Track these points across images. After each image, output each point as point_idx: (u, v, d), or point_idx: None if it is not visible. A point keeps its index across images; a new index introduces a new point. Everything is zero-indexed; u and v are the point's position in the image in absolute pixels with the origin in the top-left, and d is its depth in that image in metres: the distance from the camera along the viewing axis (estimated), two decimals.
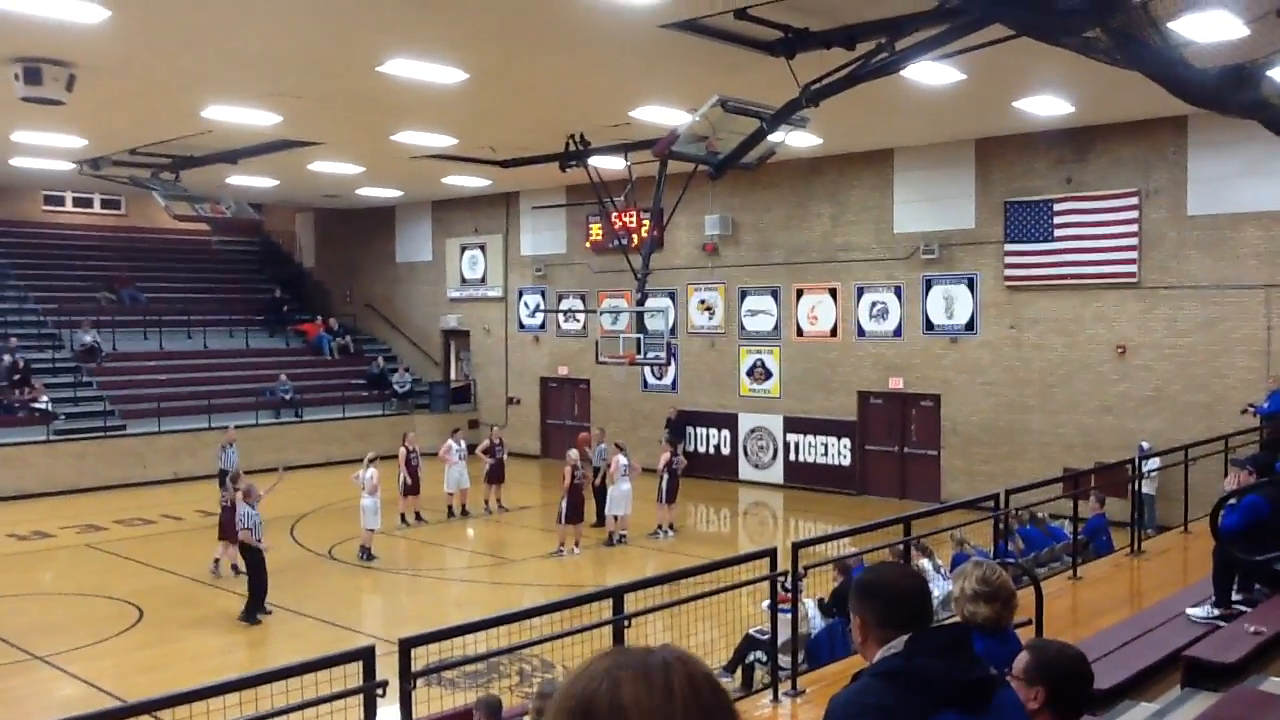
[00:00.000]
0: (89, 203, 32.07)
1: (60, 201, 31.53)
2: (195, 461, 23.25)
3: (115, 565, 16.44)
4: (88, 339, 26.34)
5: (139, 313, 28.60)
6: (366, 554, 17.05)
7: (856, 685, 2.64)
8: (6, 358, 24.57)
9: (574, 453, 17.88)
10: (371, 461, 17.64)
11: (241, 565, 15.06)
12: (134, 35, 12.32)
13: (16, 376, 24.24)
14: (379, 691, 5.22)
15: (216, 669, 11.09)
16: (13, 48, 12.67)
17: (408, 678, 5.34)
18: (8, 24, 11.59)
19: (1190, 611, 8.48)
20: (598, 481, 18.70)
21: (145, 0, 11.12)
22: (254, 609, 13.66)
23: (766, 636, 9.67)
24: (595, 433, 21.05)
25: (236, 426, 22.26)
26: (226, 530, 15.46)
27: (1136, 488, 12.62)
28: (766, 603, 7.71)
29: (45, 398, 23.67)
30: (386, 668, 5.27)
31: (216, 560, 15.85)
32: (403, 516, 19.45)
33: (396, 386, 29.33)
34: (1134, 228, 18.38)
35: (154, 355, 27.57)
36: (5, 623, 13.32)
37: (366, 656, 5.21)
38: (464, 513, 20.44)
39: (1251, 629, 7.73)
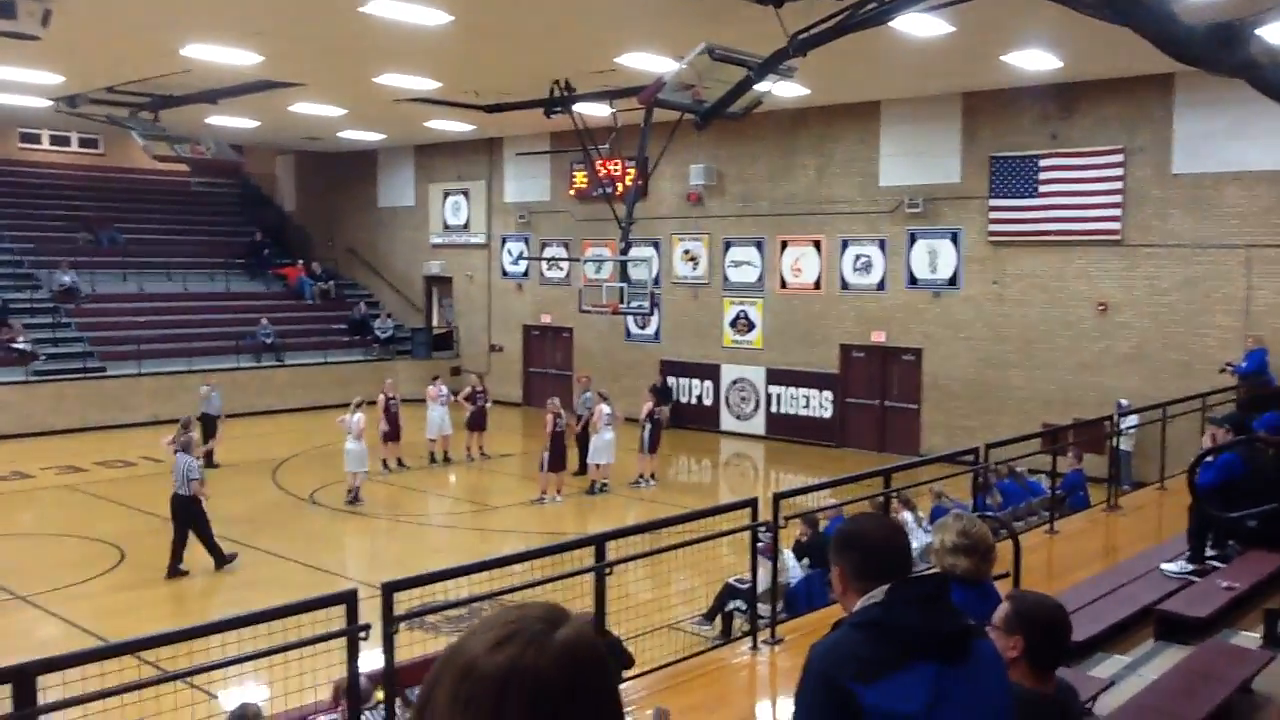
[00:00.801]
0: (66, 141, 31.60)
1: (36, 140, 31.07)
2: (175, 405, 23.04)
3: (96, 506, 16.43)
4: (66, 280, 26.11)
5: (118, 254, 28.34)
6: (354, 497, 17.08)
7: (836, 634, 2.65)
8: None
9: (555, 400, 17.90)
10: (359, 406, 17.54)
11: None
12: None
13: None
14: (362, 635, 5.25)
15: (198, 611, 11.16)
16: None
17: (390, 621, 5.37)
18: None
19: (1164, 566, 8.61)
20: (579, 429, 18.74)
21: None
22: (221, 556, 13.50)
23: (746, 586, 9.78)
24: (581, 379, 21.05)
25: (218, 370, 22.17)
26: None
27: (1114, 444, 12.76)
28: (761, 544, 7.75)
29: (23, 338, 23.48)
30: (369, 611, 5.30)
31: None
32: (384, 463, 19.47)
33: (378, 332, 29.23)
34: (1118, 185, 18.39)
35: (134, 297, 27.37)
36: None
37: (349, 600, 5.23)
38: (446, 459, 20.47)
39: (1224, 584, 7.86)
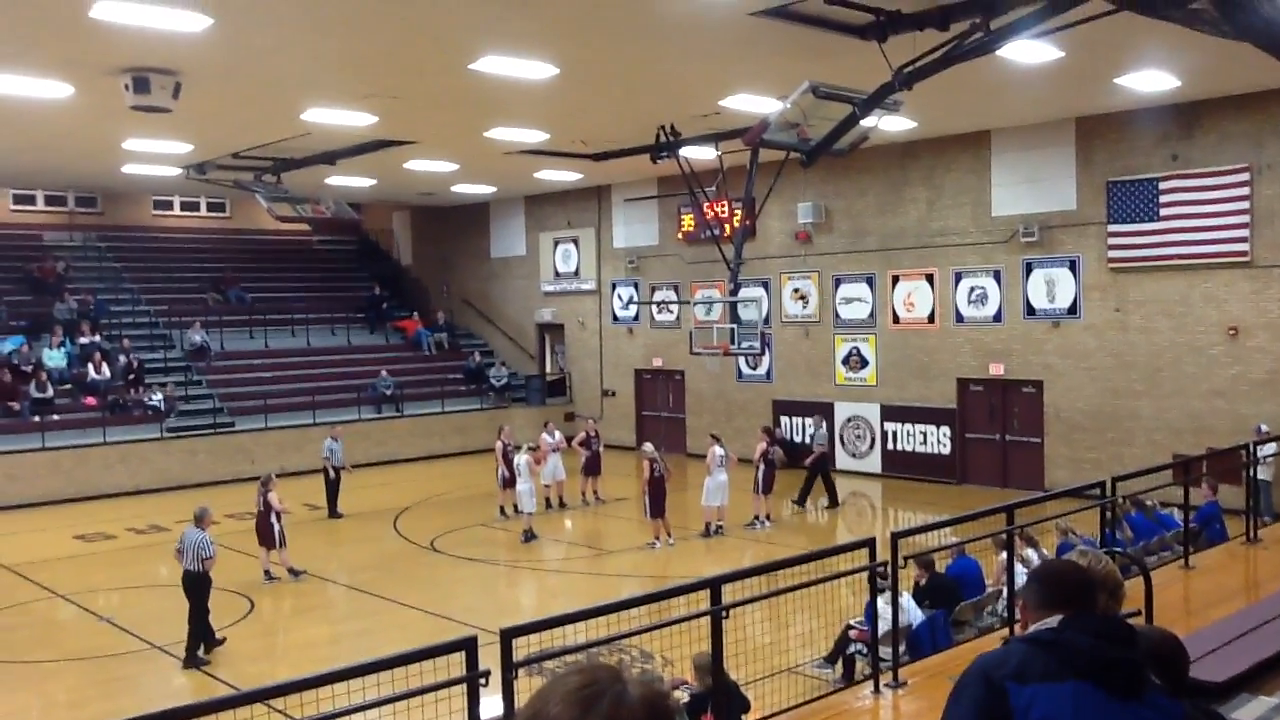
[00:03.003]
0: (196, 206, 33.08)
1: (169, 206, 32.58)
2: (301, 456, 23.84)
3: (226, 558, 16.89)
4: (197, 339, 27.20)
5: (244, 312, 29.46)
6: (528, 536, 17.65)
7: (1003, 646, 2.71)
8: (122, 358, 25.50)
9: (649, 446, 17.91)
10: (528, 449, 18.28)
11: (274, 570, 15.24)
12: (236, 43, 12.67)
13: (131, 376, 25.16)
14: (482, 681, 5.30)
15: (325, 658, 11.38)
16: (123, 59, 13.13)
17: (509, 667, 5.41)
18: (118, 36, 12.01)
19: None
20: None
21: (246, 8, 11.42)
22: (209, 640, 12.20)
23: (862, 628, 9.59)
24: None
25: (340, 423, 22.79)
26: (262, 535, 15.41)
27: (1252, 473, 12.20)
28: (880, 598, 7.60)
29: (160, 395, 24.50)
30: (488, 657, 5.34)
31: (266, 571, 15.42)
32: (501, 509, 19.69)
33: (493, 380, 29.71)
34: (1245, 204, 17.72)
35: (260, 354, 28.37)
36: (125, 612, 13.85)
37: (469, 646, 5.29)
38: (561, 504, 20.63)
39: None
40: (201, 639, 12.07)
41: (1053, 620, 2.69)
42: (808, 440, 22.24)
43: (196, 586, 12.15)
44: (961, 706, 2.61)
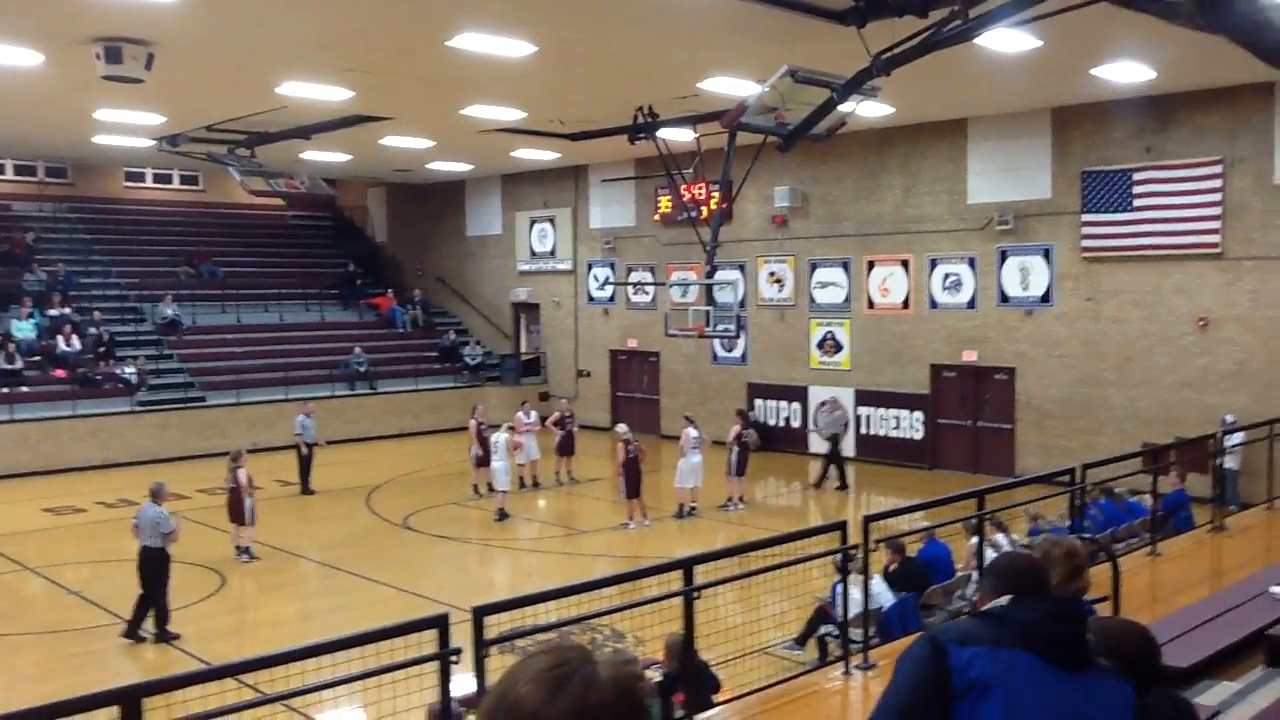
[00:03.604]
0: (168, 179, 32.77)
1: (141, 178, 32.26)
2: (273, 432, 23.74)
3: (197, 532, 16.84)
4: (169, 313, 26.98)
5: (217, 287, 29.23)
6: (501, 515, 17.75)
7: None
8: (92, 330, 25.27)
9: (623, 427, 17.94)
10: (508, 428, 18.49)
11: (253, 549, 15.19)
12: (210, 14, 12.52)
13: (102, 349, 24.93)
14: (454, 659, 5.30)
15: (296, 635, 11.37)
16: (94, 28, 12.96)
17: (481, 645, 5.41)
18: (90, 5, 11.85)
19: (1274, 590, 8.28)
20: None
21: None
22: (165, 626, 11.86)
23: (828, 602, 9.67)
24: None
25: (313, 399, 22.69)
26: (233, 511, 15.23)
27: (1219, 463, 12.34)
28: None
29: (131, 369, 24.30)
30: (461, 635, 5.35)
31: (237, 547, 15.33)
32: (475, 488, 19.68)
33: (468, 359, 29.64)
34: (1217, 197, 17.87)
35: (232, 329, 28.19)
36: (94, 587, 13.77)
37: (441, 624, 5.28)
38: (535, 484, 20.63)
39: None
40: (162, 616, 11.84)
41: (1004, 600, 2.82)
42: (812, 424, 22.34)
43: (153, 563, 11.87)
44: (905, 664, 2.73)
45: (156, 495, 12.24)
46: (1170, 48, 14.22)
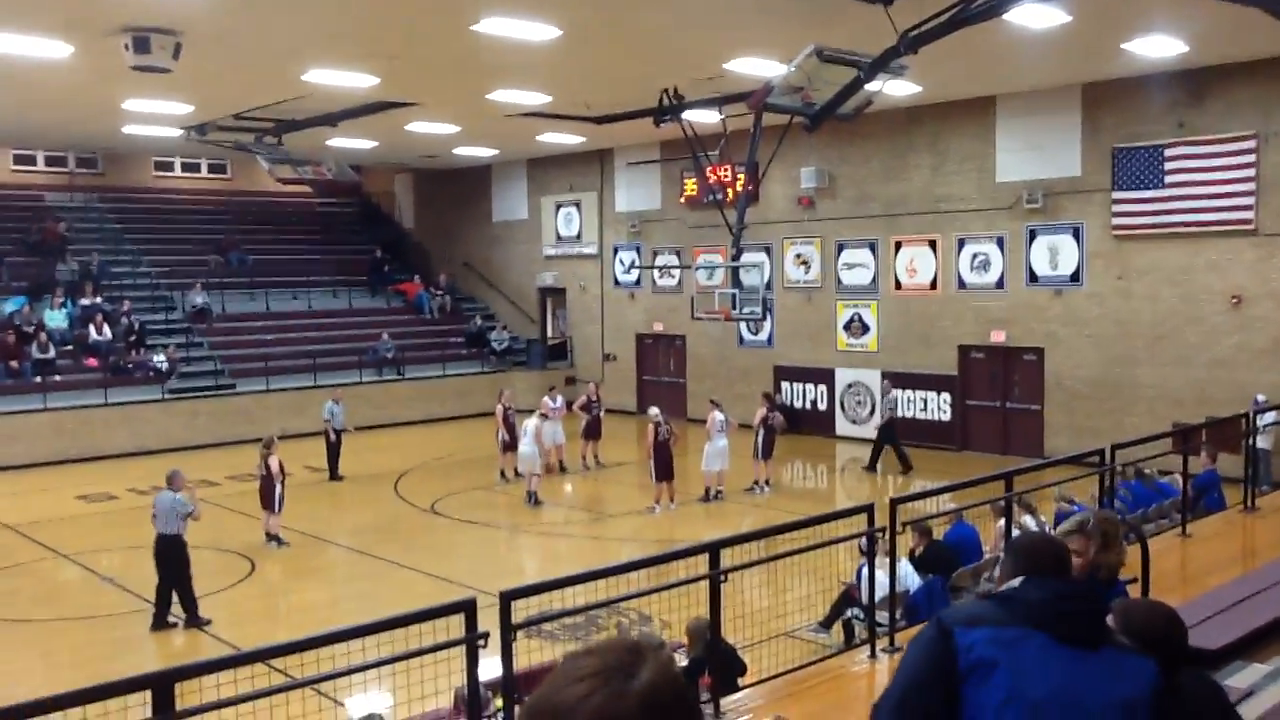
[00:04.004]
0: (196, 168, 32.97)
1: (169, 167, 32.48)
2: (303, 419, 23.87)
3: (228, 519, 17.02)
4: (198, 301, 27.19)
5: (246, 274, 29.42)
6: (533, 499, 17.83)
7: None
8: (123, 319, 25.50)
9: (655, 410, 17.91)
10: (539, 415, 18.76)
11: (282, 535, 15.26)
12: (236, 3, 12.57)
13: (133, 337, 25.17)
14: (481, 643, 5.33)
15: (325, 619, 11.47)
16: (123, 18, 13.03)
17: (508, 629, 5.43)
18: None
19: None
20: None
21: None
22: (195, 612, 11.92)
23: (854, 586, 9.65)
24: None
25: (341, 385, 22.83)
26: (265, 498, 15.33)
27: (1251, 443, 12.21)
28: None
29: (163, 357, 24.53)
30: (488, 619, 5.37)
31: (268, 533, 15.42)
32: (502, 473, 19.75)
33: (494, 344, 29.71)
34: (1251, 172, 17.63)
35: (261, 316, 28.37)
36: (127, 573, 13.92)
37: (469, 608, 5.31)
38: (561, 468, 20.69)
39: None
40: (190, 603, 11.85)
41: (1016, 580, 2.83)
42: (876, 406, 22.19)
43: (171, 550, 11.83)
44: (914, 646, 2.78)
45: (172, 481, 12.23)
46: (1202, 20, 14.02)
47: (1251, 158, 17.60)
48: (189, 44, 13.78)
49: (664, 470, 17.16)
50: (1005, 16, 11.97)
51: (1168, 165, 18.45)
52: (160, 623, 11.82)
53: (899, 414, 21.32)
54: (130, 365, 24.41)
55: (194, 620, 11.88)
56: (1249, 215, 17.69)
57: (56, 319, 24.77)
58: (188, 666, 4.86)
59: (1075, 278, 19.93)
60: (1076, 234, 19.86)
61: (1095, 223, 19.57)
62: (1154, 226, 18.75)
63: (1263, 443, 14.72)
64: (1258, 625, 6.88)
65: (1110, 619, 3.27)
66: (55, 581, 14.48)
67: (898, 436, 20.31)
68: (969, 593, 10.04)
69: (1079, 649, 2.65)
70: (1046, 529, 10.92)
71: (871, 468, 20.21)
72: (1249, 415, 12.79)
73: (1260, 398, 16.11)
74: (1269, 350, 17.70)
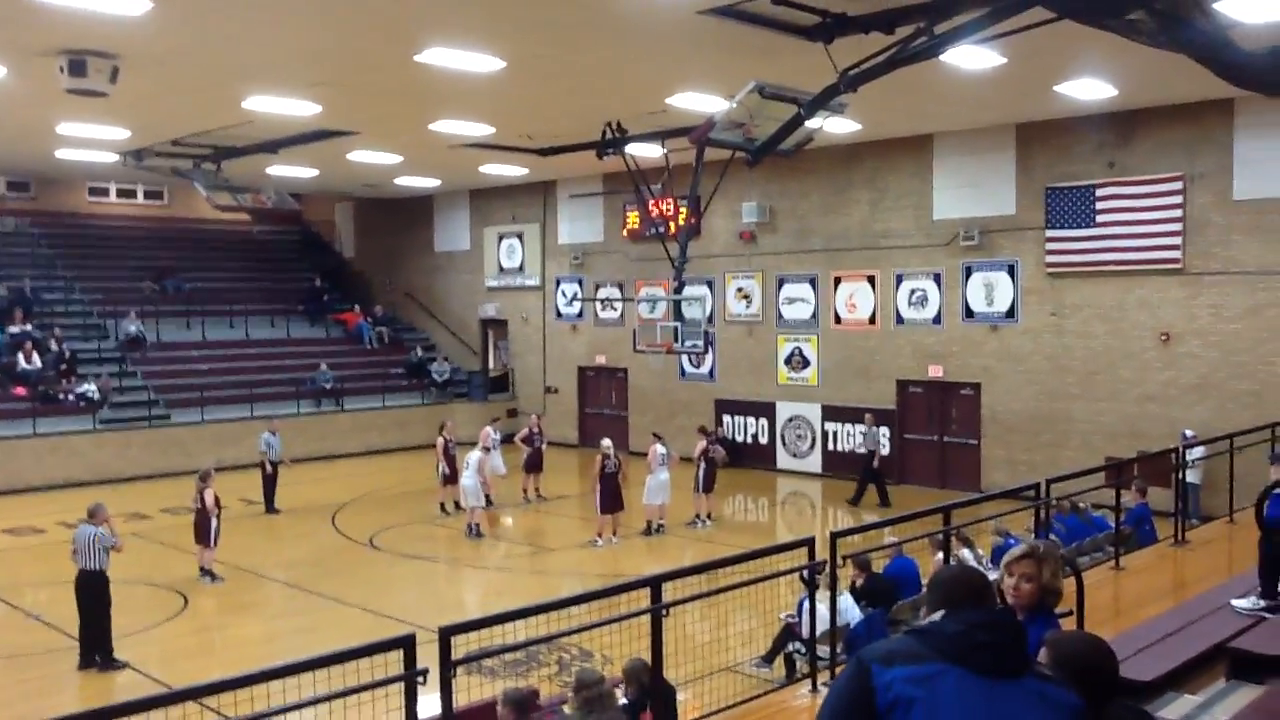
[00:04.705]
0: (133, 194, 32.45)
1: (104, 193, 31.94)
2: (239, 450, 23.51)
3: (160, 553, 16.68)
4: (132, 329, 26.70)
5: (182, 302, 28.96)
6: (474, 531, 17.73)
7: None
8: (54, 347, 24.95)
9: (606, 442, 17.87)
10: (482, 448, 18.88)
11: (216, 570, 14.97)
12: (176, 27, 12.43)
13: (63, 366, 24.62)
14: (420, 679, 5.25)
15: (260, 656, 11.23)
16: (58, 40, 12.82)
17: (448, 665, 5.37)
18: (53, 16, 11.73)
19: (1235, 603, 8.36)
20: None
21: None
22: (104, 651, 11.52)
23: (795, 620, 9.66)
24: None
25: (278, 417, 22.50)
26: (200, 532, 15.02)
27: (1180, 476, 12.46)
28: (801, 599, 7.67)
29: (94, 386, 24.01)
30: (427, 656, 5.31)
31: (202, 568, 15.09)
32: (442, 505, 19.58)
33: (435, 375, 29.51)
34: (1178, 213, 18.11)
35: (197, 345, 27.92)
36: (54, 609, 13.52)
37: (407, 645, 5.24)
38: (488, 502, 20.46)
39: None
40: (101, 646, 11.47)
41: (938, 614, 2.85)
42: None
43: (92, 586, 11.44)
44: (836, 685, 2.82)
45: (94, 515, 11.79)
46: (1132, 65, 14.42)
47: (1179, 199, 18.08)
48: (127, 68, 13.60)
49: (610, 502, 17.11)
50: (941, 58, 12.22)
51: (1099, 205, 18.89)
52: (87, 661, 11.50)
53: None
54: (61, 394, 23.87)
55: (109, 663, 11.47)
56: (1176, 255, 18.16)
57: None
58: (117, 706, 4.73)
59: (1010, 314, 20.28)
60: (1011, 271, 20.23)
61: (1029, 260, 19.95)
62: (1086, 265, 19.16)
63: (1192, 477, 15.04)
64: (1189, 656, 7.00)
65: (1042, 651, 3.30)
66: None
67: (880, 473, 20.21)
68: (908, 625, 10.11)
69: (998, 680, 2.66)
70: (985, 562, 11.05)
71: (855, 501, 20.14)
72: (1179, 450, 13.05)
73: (1189, 433, 16.48)
74: (1197, 386, 18.13)
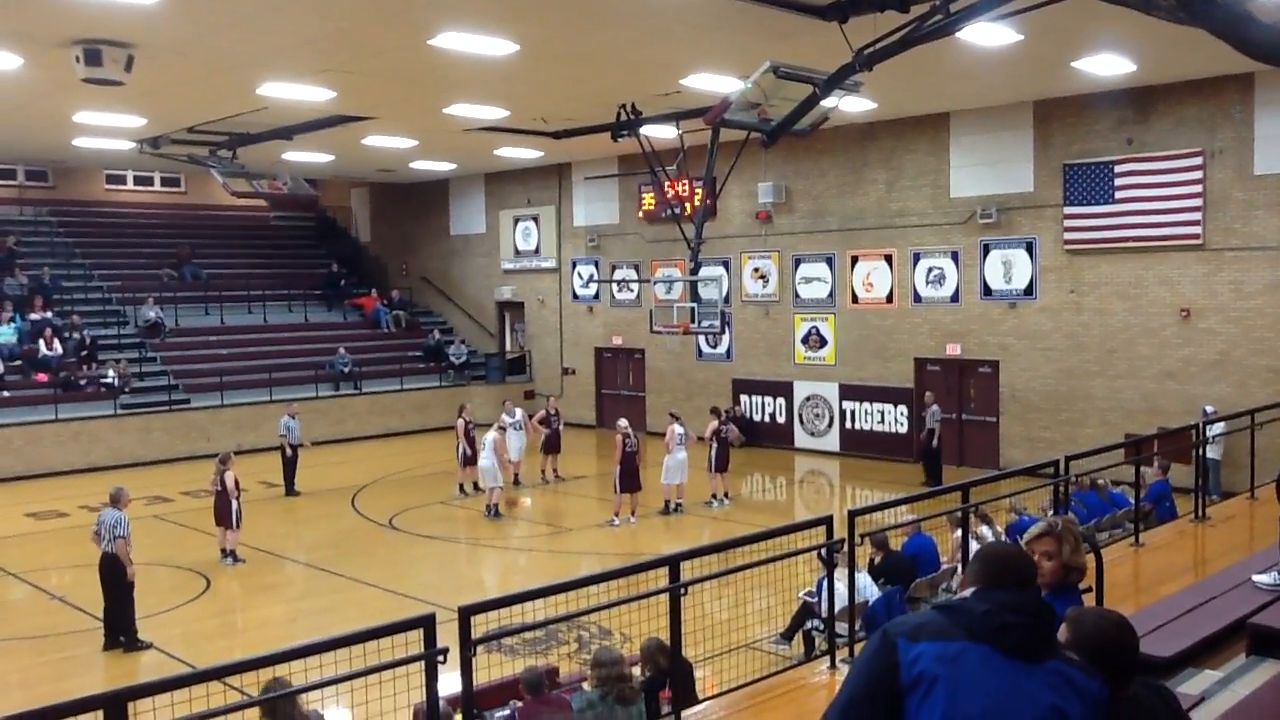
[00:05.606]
0: (150, 181, 32.58)
1: (122, 181, 32.08)
2: (258, 434, 23.67)
3: (183, 535, 16.82)
4: (151, 315, 26.85)
5: (200, 289, 29.11)
6: (493, 511, 17.78)
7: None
8: (74, 334, 25.13)
9: (624, 422, 17.91)
10: (498, 428, 18.87)
11: (238, 552, 15.11)
12: (190, 15, 12.46)
13: (84, 353, 24.80)
14: (440, 658, 5.29)
15: (282, 637, 11.35)
16: (73, 30, 12.88)
17: (468, 644, 5.40)
18: (69, 6, 11.78)
19: (1256, 579, 8.33)
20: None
21: None
22: (128, 633, 11.66)
23: (814, 599, 9.69)
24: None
25: (297, 400, 22.62)
26: (220, 514, 15.12)
27: (1201, 453, 12.41)
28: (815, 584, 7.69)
29: (113, 372, 24.18)
30: (447, 635, 5.34)
31: (223, 550, 15.24)
32: (461, 487, 19.67)
33: (453, 358, 29.59)
34: (1198, 188, 17.97)
35: (215, 330, 28.08)
36: (79, 592, 13.67)
37: (427, 624, 5.28)
38: (516, 482, 20.60)
39: None
40: (125, 629, 11.60)
41: (968, 591, 2.82)
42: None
43: (116, 569, 11.56)
44: (860, 658, 2.81)
45: (116, 500, 11.91)
46: (1150, 40, 14.29)
47: (1198, 174, 17.94)
48: (142, 56, 13.64)
49: (629, 482, 17.18)
50: (958, 35, 12.13)
51: (1118, 181, 18.76)
52: (112, 642, 11.63)
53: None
54: (81, 380, 24.05)
55: (133, 643, 11.60)
56: (1196, 230, 18.03)
57: (5, 334, 24.35)
58: (141, 686, 4.78)
59: (1029, 291, 20.19)
60: (1029, 248, 20.13)
61: (1048, 237, 19.85)
62: (1105, 241, 19.05)
63: (1212, 453, 14.97)
64: (1209, 633, 6.99)
65: (1062, 628, 3.29)
66: (3, 601, 14.22)
67: (939, 452, 19.90)
68: (926, 603, 10.12)
69: (1022, 662, 2.65)
70: (1002, 539, 11.04)
71: (934, 482, 19.81)
72: (1199, 426, 12.98)
73: (1209, 409, 16.40)
74: (1217, 362, 18.03)
